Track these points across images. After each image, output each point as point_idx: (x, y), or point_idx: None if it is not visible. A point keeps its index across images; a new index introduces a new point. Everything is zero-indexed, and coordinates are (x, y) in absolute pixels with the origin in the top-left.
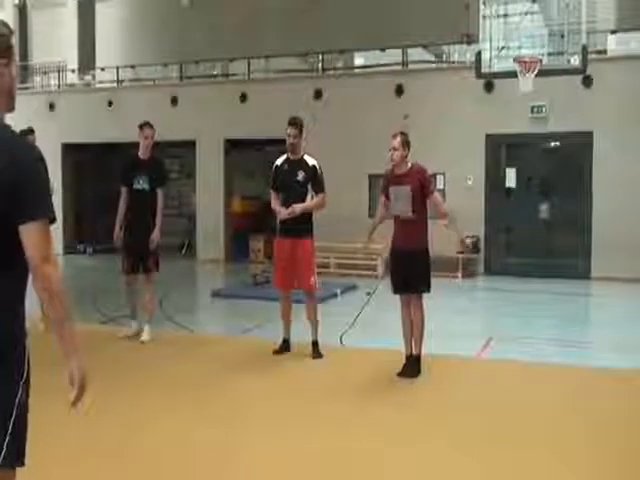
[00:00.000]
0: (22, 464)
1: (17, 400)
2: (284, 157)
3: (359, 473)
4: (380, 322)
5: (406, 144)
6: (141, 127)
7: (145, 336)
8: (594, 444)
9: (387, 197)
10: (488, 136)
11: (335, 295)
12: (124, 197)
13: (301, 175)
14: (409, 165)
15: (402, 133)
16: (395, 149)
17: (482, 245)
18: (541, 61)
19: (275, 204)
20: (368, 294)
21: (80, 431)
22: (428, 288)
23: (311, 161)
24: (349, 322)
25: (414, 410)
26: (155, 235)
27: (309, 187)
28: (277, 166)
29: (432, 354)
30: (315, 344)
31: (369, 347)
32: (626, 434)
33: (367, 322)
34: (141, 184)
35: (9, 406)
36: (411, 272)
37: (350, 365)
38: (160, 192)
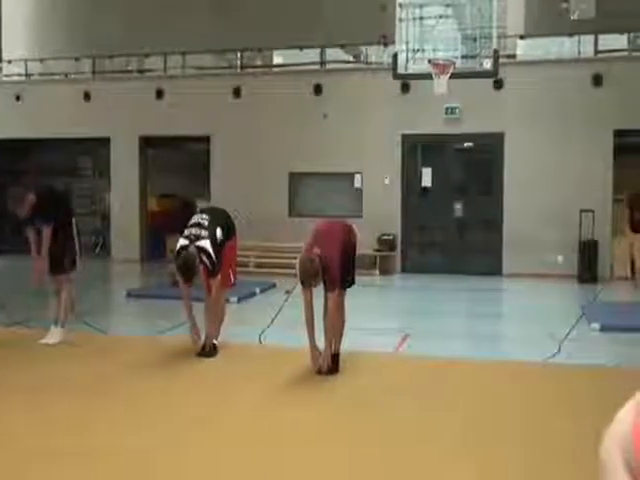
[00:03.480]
0: None
1: None
2: None
3: (259, 470)
4: (300, 321)
5: None
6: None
7: (51, 338)
8: (501, 439)
9: None
10: (404, 136)
11: (254, 294)
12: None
13: None
14: None
15: None
16: None
17: (398, 243)
18: (454, 64)
19: None
20: (287, 293)
21: None
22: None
23: None
24: (268, 321)
25: (326, 407)
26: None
27: None
28: None
29: (350, 350)
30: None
31: (289, 345)
32: (530, 423)
33: (287, 321)
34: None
35: None
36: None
37: (269, 363)
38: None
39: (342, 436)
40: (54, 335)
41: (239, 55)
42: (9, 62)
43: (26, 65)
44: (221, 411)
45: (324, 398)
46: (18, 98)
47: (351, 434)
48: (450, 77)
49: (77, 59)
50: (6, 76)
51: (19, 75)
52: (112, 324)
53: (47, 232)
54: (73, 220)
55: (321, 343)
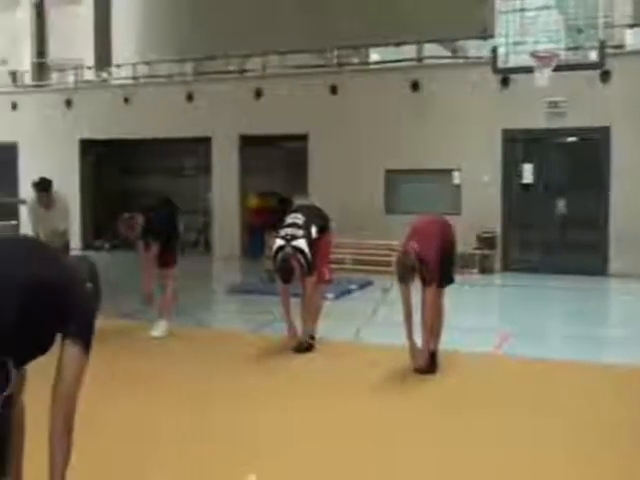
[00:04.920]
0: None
1: None
2: None
3: (369, 471)
4: (397, 318)
5: None
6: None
7: (157, 330)
8: (608, 444)
9: None
10: (504, 131)
11: (351, 291)
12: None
13: None
14: None
15: None
16: None
17: (498, 241)
18: (558, 56)
19: None
20: (384, 290)
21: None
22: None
23: None
24: (366, 318)
25: (428, 406)
26: None
27: None
28: None
29: (448, 349)
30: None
31: (386, 343)
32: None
33: (384, 318)
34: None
35: None
36: None
37: (365, 360)
38: None
39: (439, 435)
40: (160, 327)
41: (336, 53)
42: (118, 66)
43: (134, 68)
44: (318, 408)
45: (422, 396)
46: (127, 100)
47: (449, 433)
48: (553, 70)
49: (181, 61)
50: (116, 79)
51: (127, 78)
52: (213, 318)
53: (155, 249)
54: (179, 226)
55: (419, 341)
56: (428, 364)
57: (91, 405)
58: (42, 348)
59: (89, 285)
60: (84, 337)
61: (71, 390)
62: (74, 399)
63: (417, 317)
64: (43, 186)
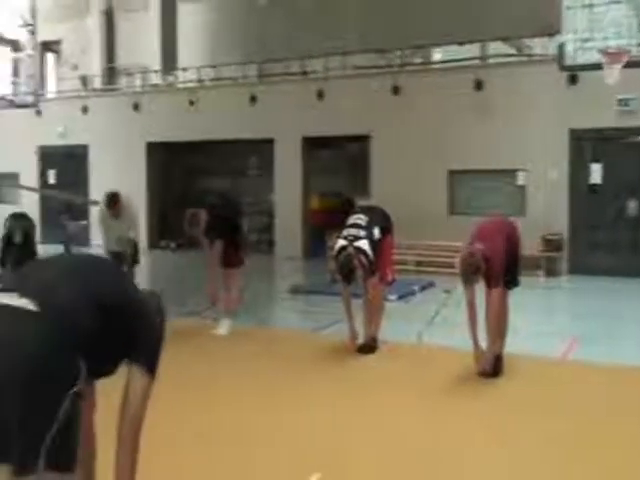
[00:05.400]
0: (66, 471)
1: (62, 409)
2: None
3: (441, 473)
4: (460, 320)
5: None
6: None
7: (221, 329)
8: None
9: None
10: (571, 131)
11: (413, 292)
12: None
13: None
14: None
15: None
16: None
17: (565, 243)
18: (628, 52)
19: None
20: (447, 292)
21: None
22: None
23: None
24: (428, 320)
25: (487, 409)
26: None
27: None
28: None
29: (514, 354)
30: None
31: (449, 345)
32: None
33: (447, 320)
34: None
35: (53, 414)
36: None
37: (428, 362)
38: None
39: (504, 438)
40: (224, 326)
41: (398, 53)
42: (184, 70)
43: (199, 72)
44: (380, 409)
45: (486, 399)
46: (192, 103)
47: (513, 436)
48: (623, 66)
49: (245, 64)
50: (181, 83)
51: (193, 82)
52: (275, 318)
53: (219, 247)
54: (243, 225)
55: (484, 344)
56: (492, 368)
57: (153, 404)
58: (110, 365)
59: (157, 318)
60: (150, 364)
61: (137, 413)
62: (139, 422)
63: (481, 320)
64: (113, 200)
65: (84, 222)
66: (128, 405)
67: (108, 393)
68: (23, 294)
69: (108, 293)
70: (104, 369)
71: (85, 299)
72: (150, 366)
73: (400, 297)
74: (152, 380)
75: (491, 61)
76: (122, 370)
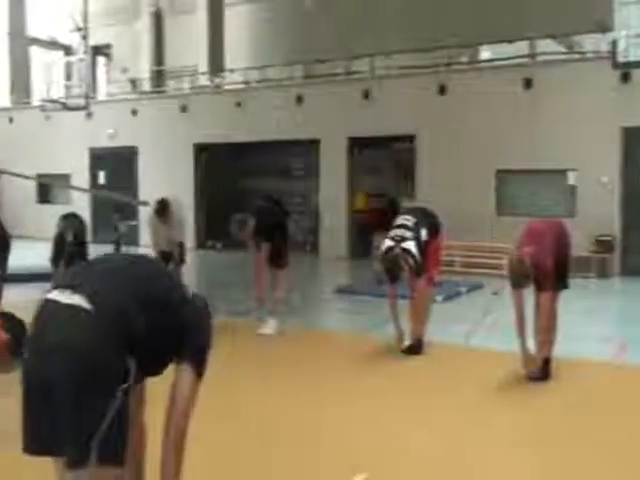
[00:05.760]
0: (115, 465)
1: (113, 406)
2: None
3: (491, 475)
4: (509, 323)
5: None
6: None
7: (267, 329)
8: None
9: None
10: (624, 129)
11: (460, 294)
12: None
13: None
14: None
15: None
16: None
17: (617, 245)
18: None
19: None
20: (494, 294)
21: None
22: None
23: None
24: (475, 322)
25: (535, 413)
26: None
27: None
28: None
29: (563, 357)
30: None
31: (496, 348)
32: None
33: (495, 322)
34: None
35: (104, 411)
36: None
37: (475, 365)
38: None
39: (553, 442)
40: (270, 326)
41: (444, 52)
42: (231, 71)
43: (246, 73)
44: (424, 411)
45: (534, 403)
46: (239, 104)
47: (563, 440)
48: None
49: (290, 65)
50: (228, 84)
51: (239, 83)
52: (321, 318)
53: (266, 250)
54: (289, 227)
55: (532, 347)
56: (541, 371)
57: (200, 402)
58: (159, 364)
59: (205, 318)
60: (198, 363)
61: (183, 411)
62: (186, 420)
63: (530, 322)
64: (162, 207)
65: (134, 222)
66: (175, 403)
67: (157, 391)
68: (76, 291)
69: (157, 292)
70: (153, 367)
71: (135, 298)
72: (198, 365)
73: (446, 298)
74: (200, 379)
75: (540, 59)
76: (170, 368)
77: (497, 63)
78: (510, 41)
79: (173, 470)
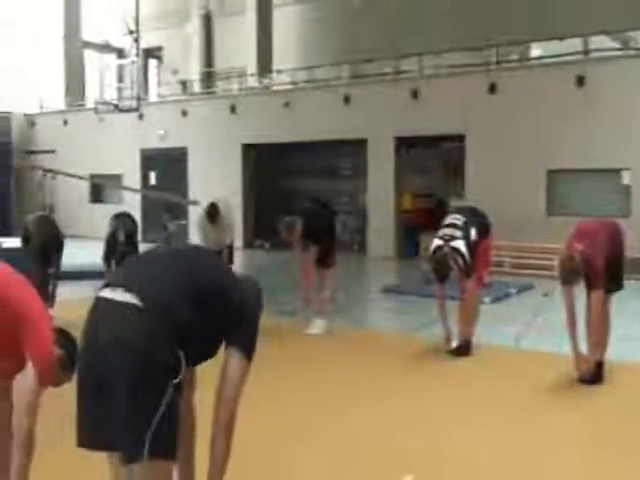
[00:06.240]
0: (168, 458)
1: (165, 400)
2: None
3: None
4: (560, 324)
5: None
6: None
7: (314, 328)
8: None
9: None
10: None
11: (509, 295)
12: None
13: None
14: None
15: None
16: None
17: None
18: None
19: None
20: (545, 295)
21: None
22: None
23: None
24: (525, 324)
25: (588, 415)
26: None
27: None
28: None
29: (616, 360)
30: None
31: (547, 350)
32: None
33: (545, 324)
34: None
35: (157, 405)
36: None
37: (524, 367)
38: None
39: (606, 446)
40: (317, 326)
41: (494, 50)
42: (279, 72)
43: (293, 74)
44: (474, 414)
45: (586, 405)
46: (286, 104)
47: (613, 442)
48: None
49: (338, 65)
50: (276, 85)
51: (287, 84)
52: (368, 318)
53: (314, 251)
54: (336, 227)
55: (584, 349)
56: (593, 374)
57: (249, 402)
58: (209, 352)
59: (255, 303)
60: (246, 347)
61: (233, 395)
62: (235, 404)
63: (581, 324)
64: (214, 212)
65: (183, 221)
66: (225, 387)
67: (207, 373)
68: (127, 289)
69: (206, 282)
70: (204, 355)
71: (184, 291)
72: (248, 349)
73: (495, 299)
74: (249, 363)
75: (594, 55)
76: (219, 353)
77: (548, 60)
78: (562, 38)
79: (223, 453)
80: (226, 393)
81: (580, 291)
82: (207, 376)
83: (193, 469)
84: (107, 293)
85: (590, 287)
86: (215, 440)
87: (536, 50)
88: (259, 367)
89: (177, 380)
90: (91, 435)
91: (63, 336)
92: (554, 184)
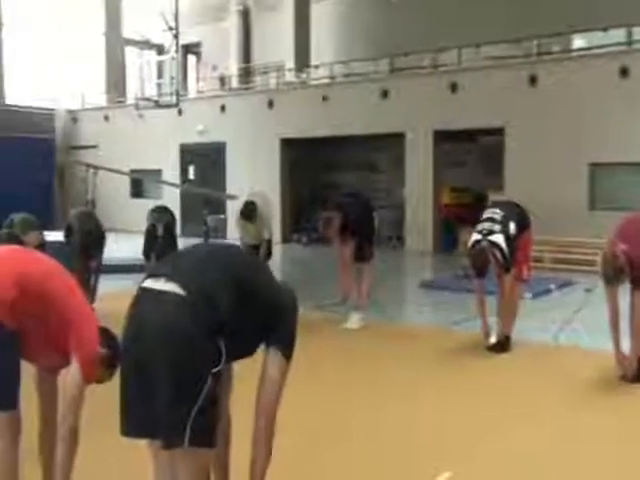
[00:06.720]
0: (208, 446)
1: (205, 389)
2: None
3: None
4: (601, 321)
5: None
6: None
7: (352, 323)
8: None
9: None
10: None
11: (550, 291)
12: None
13: None
14: None
15: None
16: None
17: None
18: None
19: None
20: (587, 291)
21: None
22: None
23: None
24: (566, 320)
25: (629, 414)
26: None
27: None
28: None
29: None
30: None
31: (588, 347)
32: None
33: (586, 321)
34: None
35: (198, 393)
36: None
37: (564, 365)
38: None
39: None
40: (355, 320)
41: (535, 42)
42: (316, 67)
43: (331, 68)
44: (512, 412)
45: (626, 404)
46: (324, 99)
47: None
48: None
49: (375, 59)
50: (314, 79)
51: (325, 78)
52: (406, 313)
53: (352, 246)
54: (374, 222)
55: (626, 347)
56: (636, 373)
57: (288, 397)
58: (247, 348)
59: (292, 304)
60: (287, 348)
61: (273, 395)
62: (276, 404)
63: (624, 322)
64: (249, 211)
65: (222, 216)
66: (265, 386)
67: (244, 376)
68: (169, 279)
69: (246, 278)
70: (242, 351)
71: (225, 284)
72: (287, 349)
73: (536, 295)
74: (289, 362)
75: (637, 46)
76: (258, 353)
77: (591, 52)
78: (605, 29)
79: (264, 452)
80: (267, 392)
81: (624, 289)
82: (246, 374)
83: (227, 472)
84: (149, 283)
85: (635, 287)
86: (257, 439)
87: (578, 41)
88: (297, 362)
89: (217, 369)
90: (134, 423)
91: (106, 335)
92: (596, 178)
